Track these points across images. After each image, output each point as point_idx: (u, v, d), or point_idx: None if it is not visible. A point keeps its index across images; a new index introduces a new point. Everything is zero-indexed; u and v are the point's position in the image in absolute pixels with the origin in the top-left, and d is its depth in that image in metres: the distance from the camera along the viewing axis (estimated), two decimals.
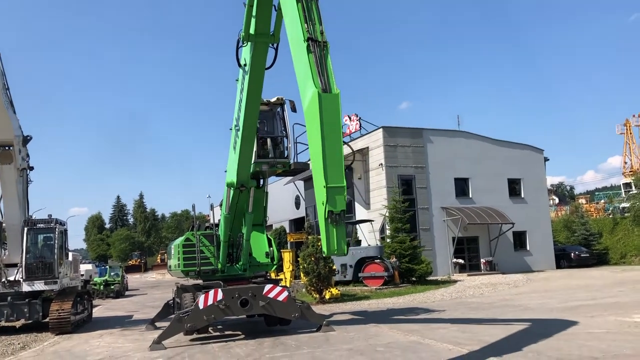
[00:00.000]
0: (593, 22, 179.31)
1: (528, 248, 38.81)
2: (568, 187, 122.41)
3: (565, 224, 46.37)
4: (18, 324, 17.77)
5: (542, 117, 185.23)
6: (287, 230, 44.17)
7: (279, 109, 14.65)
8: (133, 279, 59.07)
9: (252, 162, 13.76)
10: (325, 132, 8.03)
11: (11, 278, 16.02)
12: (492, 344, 10.55)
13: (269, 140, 14.16)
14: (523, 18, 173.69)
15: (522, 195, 39.19)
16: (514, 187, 39.18)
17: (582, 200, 62.04)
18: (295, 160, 14.24)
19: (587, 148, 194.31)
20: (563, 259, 39.61)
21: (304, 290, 23.39)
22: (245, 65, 12.32)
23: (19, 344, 14.20)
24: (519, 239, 38.84)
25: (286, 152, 14.31)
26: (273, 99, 14.59)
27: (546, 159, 41.70)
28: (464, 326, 13.22)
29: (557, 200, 75.82)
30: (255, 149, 13.70)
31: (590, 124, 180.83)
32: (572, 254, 39.72)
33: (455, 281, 29.79)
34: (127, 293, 38.02)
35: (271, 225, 43.80)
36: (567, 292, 21.70)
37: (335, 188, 7.95)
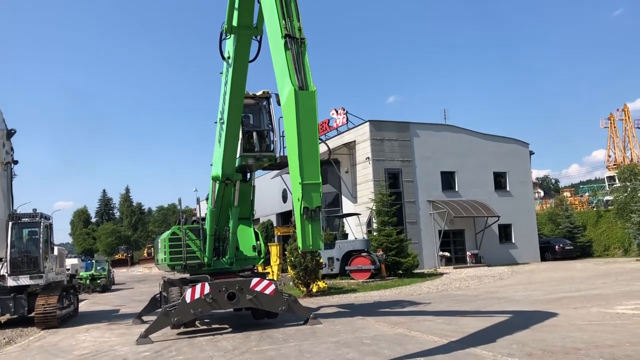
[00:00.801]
0: (579, 16, 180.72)
1: (513, 241, 39.19)
2: (553, 180, 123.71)
3: (550, 217, 46.83)
4: (3, 318, 17.66)
5: (528, 111, 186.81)
6: (274, 224, 44.20)
7: (264, 103, 14.66)
8: (119, 273, 58.80)
9: (238, 155, 13.76)
10: (301, 129, 8.10)
11: None
12: (477, 336, 10.68)
13: (254, 133, 14.17)
14: (509, 12, 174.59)
15: (508, 189, 39.54)
16: (499, 181, 39.51)
17: (567, 194, 62.63)
18: (282, 154, 14.25)
19: (572, 141, 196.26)
20: (547, 252, 40.03)
21: (291, 283, 23.46)
22: (228, 58, 12.33)
23: (4, 338, 14.11)
24: (505, 232, 39.20)
25: (272, 146, 14.35)
26: (259, 93, 14.59)
27: (531, 153, 42.10)
28: (450, 318, 13.35)
29: (542, 194, 76.54)
30: (241, 142, 13.70)
31: (574, 117, 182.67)
32: (557, 247, 40.16)
33: (441, 274, 30.02)
34: (113, 287, 37.85)
35: (258, 219, 43.75)
36: (551, 284, 21.96)
37: (311, 185, 8.04)
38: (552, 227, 45.56)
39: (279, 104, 14.03)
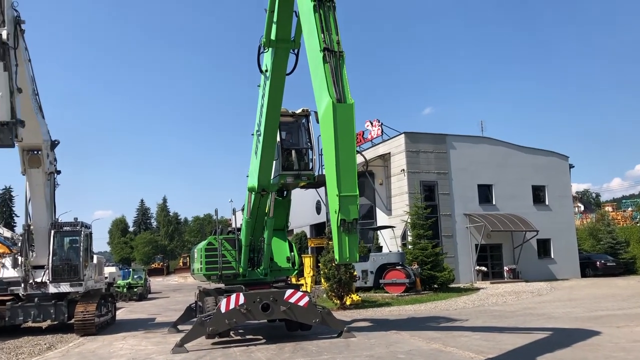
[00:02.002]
0: (622, 26, 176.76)
1: (552, 256, 38.23)
2: (594, 195, 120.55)
3: (591, 232, 45.58)
4: (44, 324, 18.10)
5: (567, 124, 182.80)
6: (308, 235, 44.22)
7: (303, 120, 14.62)
8: (155, 282, 59.64)
9: (277, 174, 13.81)
10: (339, 141, 8.12)
11: (38, 280, 16.34)
12: (515, 353, 10.45)
13: (293, 151, 14.15)
14: (548, 21, 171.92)
15: (547, 203, 38.68)
16: (538, 194, 38.70)
17: (609, 208, 61.01)
18: (320, 173, 14.17)
19: (614, 155, 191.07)
20: (588, 268, 38.90)
21: (324, 295, 23.39)
22: (266, 70, 12.45)
23: (45, 344, 14.45)
24: (543, 247, 38.29)
25: (311, 164, 14.25)
26: (298, 110, 14.61)
27: (571, 166, 41.15)
28: (487, 334, 13.08)
29: (582, 208, 74.71)
30: (280, 160, 13.74)
31: (617, 130, 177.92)
32: (598, 263, 38.99)
33: (477, 289, 29.49)
34: (149, 296, 38.40)
35: (292, 230, 43.86)
36: (592, 301, 21.33)
37: (348, 197, 8.04)
38: (593, 242, 44.33)
39: (318, 122, 14.11)
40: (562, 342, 11.29)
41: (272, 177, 13.94)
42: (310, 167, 14.25)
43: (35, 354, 13.11)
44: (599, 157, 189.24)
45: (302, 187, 15.30)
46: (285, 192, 15.32)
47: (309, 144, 14.45)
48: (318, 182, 14.68)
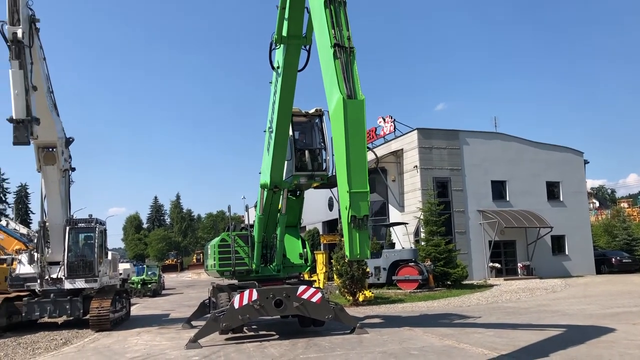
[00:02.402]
0: (636, 24, 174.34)
1: (567, 252, 37.96)
2: (609, 191, 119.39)
3: (606, 229, 45.17)
4: (60, 320, 18.31)
5: (582, 119, 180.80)
6: (320, 232, 44.24)
7: (317, 120, 14.58)
8: (169, 279, 60.03)
9: (291, 174, 13.82)
10: (349, 137, 8.12)
11: (54, 276, 16.53)
12: (529, 349, 10.39)
13: (307, 152, 14.13)
14: (564, 16, 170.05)
15: (561, 199, 38.39)
16: (552, 190, 38.42)
17: (624, 204, 60.36)
18: (333, 173, 14.11)
19: (630, 150, 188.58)
20: (603, 264, 38.59)
21: (337, 292, 23.42)
22: (278, 67, 12.45)
23: (61, 339, 14.62)
24: (558, 243, 38.02)
25: (324, 165, 14.19)
26: (312, 110, 14.57)
27: (586, 162, 40.79)
28: (500, 331, 13.02)
29: (597, 204, 74.04)
30: (293, 161, 13.74)
31: (632, 125, 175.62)
32: (613, 259, 38.65)
33: (491, 286, 29.34)
34: (163, 292, 38.66)
35: (304, 227, 43.92)
36: (607, 298, 21.14)
37: (358, 193, 8.04)
38: (608, 239, 43.94)
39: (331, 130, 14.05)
40: (577, 339, 11.21)
41: (285, 177, 13.95)
42: (324, 168, 14.16)
43: (52, 349, 13.27)
44: (615, 153, 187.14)
45: (315, 188, 15.25)
46: (298, 192, 15.34)
47: (322, 144, 14.38)
48: (331, 183, 14.60)
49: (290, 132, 14.01)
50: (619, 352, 9.76)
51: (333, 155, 13.47)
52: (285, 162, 13.91)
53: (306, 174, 13.92)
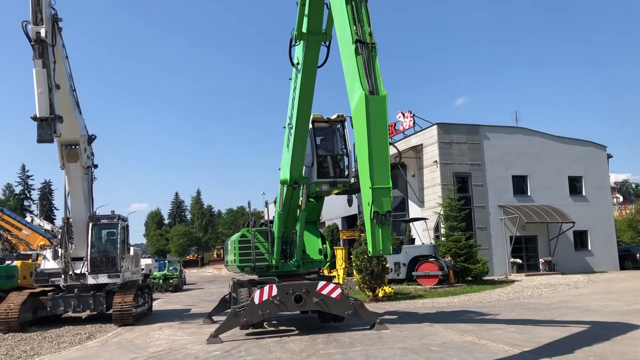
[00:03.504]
0: None
1: (589, 248, 37.47)
2: (633, 185, 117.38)
3: (630, 224, 44.55)
4: (84, 314, 18.63)
5: (605, 112, 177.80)
6: (340, 228, 44.28)
7: (338, 126, 14.55)
8: (190, 274, 60.65)
9: (313, 181, 13.82)
10: (372, 133, 8.09)
11: (77, 271, 16.81)
12: (551, 346, 10.28)
13: (329, 158, 14.11)
14: (586, 4, 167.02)
15: (584, 194, 37.88)
16: (574, 185, 37.94)
17: None
18: (356, 179, 13.98)
19: None
20: (627, 260, 38.05)
21: (356, 287, 23.42)
22: (298, 63, 12.47)
23: (85, 333, 14.88)
24: (580, 239, 37.55)
25: (346, 171, 14.16)
26: (333, 116, 14.55)
27: (609, 156, 40.15)
28: (521, 327, 12.91)
29: (621, 199, 72.90)
30: (315, 168, 13.72)
31: None
32: (638, 255, 38.07)
33: (512, 281, 29.10)
34: (184, 287, 39.07)
35: (324, 223, 43.97)
36: (632, 294, 20.82)
37: (381, 189, 8.02)
38: (632, 234, 43.34)
39: (352, 126, 14.05)
40: (601, 336, 11.07)
41: (308, 185, 13.96)
42: (346, 174, 14.14)
43: (76, 343, 13.51)
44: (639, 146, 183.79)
45: (337, 194, 15.17)
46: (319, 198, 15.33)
47: (344, 150, 14.36)
48: (353, 189, 14.56)
49: (312, 139, 14.03)
50: None
51: (355, 161, 13.30)
52: (307, 168, 13.93)
53: (328, 180, 13.93)
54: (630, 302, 17.94)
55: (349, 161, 14.24)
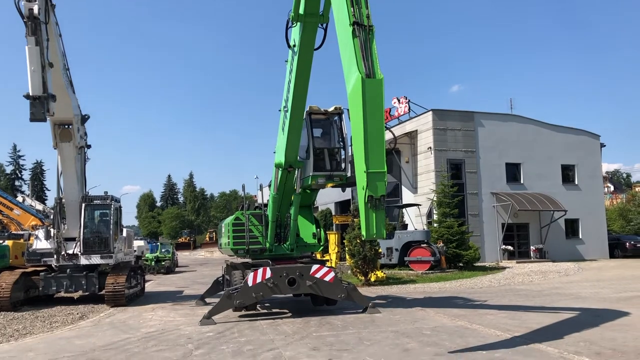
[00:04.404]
0: None
1: (580, 236, 37.78)
2: (624, 175, 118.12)
3: (621, 213, 44.88)
4: (76, 295, 18.62)
5: (599, 102, 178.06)
6: (333, 213, 44.36)
7: (336, 118, 14.42)
8: (182, 256, 60.65)
9: (309, 174, 13.74)
10: (367, 117, 8.07)
11: (70, 251, 16.75)
12: (542, 331, 10.38)
13: (325, 151, 14.00)
14: None
15: (576, 182, 38.08)
16: (567, 174, 38.14)
17: None
18: (352, 173, 13.86)
19: None
20: (617, 249, 38.39)
21: (349, 272, 23.52)
22: (294, 45, 12.34)
23: (77, 314, 14.87)
24: (571, 227, 37.84)
25: (343, 164, 14.06)
26: (331, 109, 14.42)
27: (602, 145, 40.32)
28: (513, 313, 13.02)
29: (612, 188, 73.36)
30: (311, 161, 13.63)
31: None
32: (627, 244, 38.42)
33: (503, 268, 29.31)
34: (176, 270, 39.05)
35: (317, 207, 44.03)
36: (621, 282, 21.03)
37: (376, 173, 8.03)
38: (622, 223, 43.69)
39: (350, 118, 13.95)
40: (591, 322, 11.18)
41: (303, 177, 13.86)
42: (343, 168, 14.03)
43: (69, 322, 13.50)
44: (631, 137, 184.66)
45: (333, 187, 15.09)
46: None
47: (341, 143, 14.26)
48: (349, 183, 14.45)
49: (309, 131, 13.92)
50: (633, 336, 9.71)
51: (352, 154, 13.35)
52: (303, 160, 13.83)
53: (324, 174, 13.83)
54: (619, 289, 18.12)
55: (346, 154, 14.13)
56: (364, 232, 8.27)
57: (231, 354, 9.05)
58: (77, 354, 9.53)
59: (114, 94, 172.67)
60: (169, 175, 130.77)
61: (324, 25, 11.89)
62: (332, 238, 28.93)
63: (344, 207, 44.55)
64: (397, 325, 11.48)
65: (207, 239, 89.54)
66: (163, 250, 37.75)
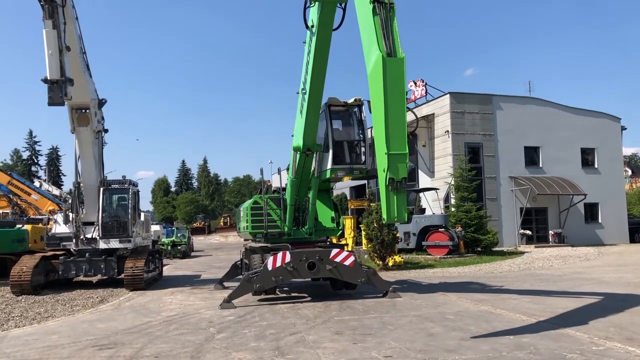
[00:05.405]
0: None
1: (600, 221, 37.30)
2: None
3: None
4: (95, 279, 18.73)
5: (619, 84, 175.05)
6: (348, 197, 44.19)
7: (355, 110, 14.10)
8: (197, 241, 60.98)
9: (328, 167, 13.51)
10: (388, 97, 7.89)
11: (88, 236, 16.80)
12: (568, 316, 10.20)
13: (345, 143, 13.73)
14: None
15: (596, 166, 37.51)
16: (587, 157, 37.57)
17: None
18: (373, 166, 13.38)
19: None
20: (637, 233, 37.87)
21: (366, 256, 23.42)
22: (312, 26, 12.08)
23: (97, 297, 14.92)
24: (591, 211, 37.35)
25: (363, 157, 13.76)
26: (350, 100, 14.15)
27: (623, 128, 39.63)
28: (536, 298, 12.82)
29: (629, 172, 72.25)
30: (331, 154, 13.39)
31: None
32: None
33: (522, 253, 29.02)
34: (192, 254, 39.28)
35: (332, 192, 43.88)
36: None
37: (397, 155, 7.86)
38: None
39: (370, 110, 13.65)
40: (617, 307, 10.95)
41: (323, 170, 13.63)
42: (363, 161, 13.71)
43: (89, 306, 13.54)
44: None
45: (353, 179, 14.80)
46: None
47: (361, 135, 13.96)
48: (369, 176, 14.20)
49: (328, 123, 13.68)
50: None
51: (372, 147, 12.56)
52: (321, 154, 13.61)
53: (344, 167, 13.56)
54: None
55: (366, 146, 13.81)
56: (384, 216, 8.10)
57: (254, 338, 8.98)
58: (100, 337, 9.52)
59: (127, 79, 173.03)
60: (183, 161, 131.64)
61: (343, 4, 11.62)
62: (348, 222, 28.76)
63: (359, 191, 44.37)
64: (420, 310, 11.34)
65: (222, 223, 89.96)
66: (179, 234, 38.00)
